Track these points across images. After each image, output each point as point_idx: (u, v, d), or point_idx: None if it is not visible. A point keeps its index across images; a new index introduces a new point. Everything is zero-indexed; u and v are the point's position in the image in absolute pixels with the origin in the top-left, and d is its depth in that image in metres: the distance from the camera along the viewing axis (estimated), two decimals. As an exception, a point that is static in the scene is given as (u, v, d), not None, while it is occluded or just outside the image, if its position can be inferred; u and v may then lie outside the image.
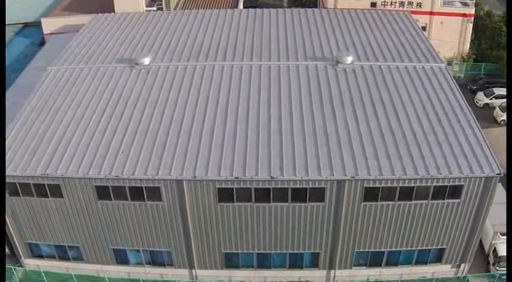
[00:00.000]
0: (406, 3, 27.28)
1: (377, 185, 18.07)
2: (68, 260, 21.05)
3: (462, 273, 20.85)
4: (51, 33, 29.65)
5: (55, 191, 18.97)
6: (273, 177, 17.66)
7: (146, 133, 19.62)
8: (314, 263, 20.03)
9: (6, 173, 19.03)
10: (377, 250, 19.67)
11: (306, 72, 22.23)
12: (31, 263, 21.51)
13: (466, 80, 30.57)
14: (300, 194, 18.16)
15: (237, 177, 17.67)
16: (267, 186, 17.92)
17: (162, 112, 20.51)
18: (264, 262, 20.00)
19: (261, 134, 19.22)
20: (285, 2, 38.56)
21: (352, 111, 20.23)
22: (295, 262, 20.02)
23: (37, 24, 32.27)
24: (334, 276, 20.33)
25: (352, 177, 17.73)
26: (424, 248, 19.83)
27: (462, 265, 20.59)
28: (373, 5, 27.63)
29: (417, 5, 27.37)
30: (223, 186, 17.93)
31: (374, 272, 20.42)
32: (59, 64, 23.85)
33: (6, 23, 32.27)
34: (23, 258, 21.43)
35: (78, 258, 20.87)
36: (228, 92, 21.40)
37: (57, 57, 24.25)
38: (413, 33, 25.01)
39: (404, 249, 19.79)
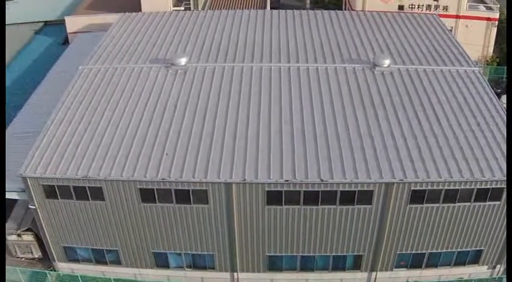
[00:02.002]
0: (433, 6, 27.57)
1: (423, 188, 18.21)
2: (105, 264, 20.63)
3: (497, 274, 21.25)
4: (75, 32, 29.03)
5: (96, 193, 18.58)
6: (323, 180, 17.64)
7: (189, 135, 19.37)
8: (356, 265, 20.06)
9: (45, 175, 18.64)
10: (418, 252, 19.83)
11: (344, 75, 22.23)
12: (65, 267, 21.05)
13: (490, 83, 31.15)
14: (348, 197, 18.13)
15: (287, 180, 17.56)
16: (316, 189, 17.87)
17: (203, 114, 20.27)
18: (307, 265, 19.95)
19: (307, 136, 19.14)
20: (307, 3, 38.56)
21: (394, 114, 20.32)
22: (338, 264, 20.02)
23: (58, 23, 31.67)
24: (376, 278, 20.47)
25: (400, 180, 17.79)
26: (463, 249, 20.06)
27: (498, 266, 20.94)
28: (401, 7, 27.83)
29: (443, 9, 27.69)
30: (273, 189, 17.79)
31: (414, 273, 20.55)
32: (91, 63, 23.36)
33: (26, 21, 31.66)
34: (56, 261, 20.95)
35: (116, 261, 20.48)
36: (269, 93, 21.27)
37: (88, 57, 23.72)
38: (444, 37, 25.25)
39: (444, 250, 20.04)
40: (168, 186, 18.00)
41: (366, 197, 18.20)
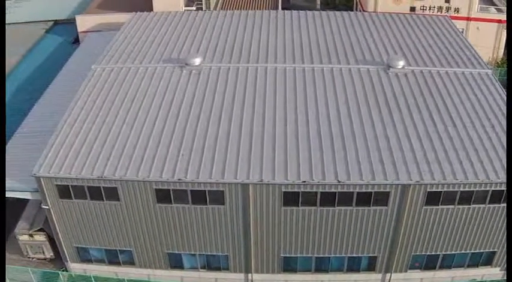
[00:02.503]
0: (444, 8, 27.66)
1: (439, 189, 18.20)
2: (118, 265, 20.54)
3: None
4: (86, 31, 28.88)
5: (111, 194, 18.47)
6: (340, 182, 17.62)
7: (205, 136, 19.29)
8: (371, 267, 20.02)
9: (59, 175, 18.53)
10: (433, 253, 19.82)
11: (359, 76, 22.23)
12: (77, 267, 20.93)
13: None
14: (364, 198, 18.09)
15: (304, 181, 17.53)
16: (333, 190, 17.82)
17: (219, 114, 20.20)
18: (321, 266, 19.90)
19: (323, 137, 19.10)
20: (318, 4, 38.53)
21: (409, 116, 20.30)
22: (353, 266, 19.98)
23: (69, 22, 31.51)
24: (390, 279, 20.47)
25: (416, 181, 17.80)
26: (477, 251, 20.07)
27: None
28: (412, 9, 27.90)
29: (455, 10, 27.79)
30: (290, 190, 17.74)
31: (428, 275, 20.55)
32: (104, 63, 23.25)
33: (36, 19, 31.48)
34: (69, 262, 20.83)
35: (129, 262, 20.38)
36: (284, 94, 21.22)
37: (101, 56, 23.60)
38: (456, 39, 25.27)
39: (458, 252, 20.06)
40: (184, 187, 17.92)
41: (382, 198, 18.17)
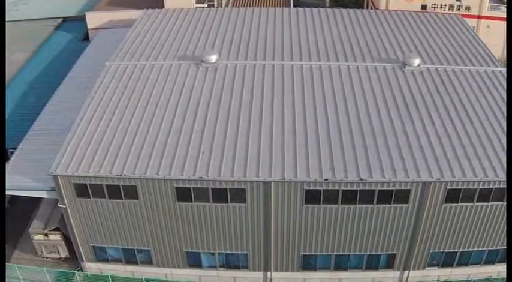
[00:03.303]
0: (456, 6, 27.77)
1: (459, 187, 18.26)
2: (135, 264, 20.34)
3: (526, 273, 21.45)
4: (96, 28, 28.53)
5: (130, 192, 18.27)
6: (362, 179, 17.59)
7: (225, 133, 19.14)
8: (389, 264, 20.04)
9: (77, 174, 18.27)
10: (451, 250, 19.90)
11: (375, 74, 22.21)
12: (93, 267, 20.71)
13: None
14: (385, 196, 18.06)
15: (326, 179, 17.46)
16: (354, 188, 17.81)
17: (237, 112, 20.07)
18: (340, 264, 19.87)
19: (343, 134, 19.07)
20: (326, 2, 38.53)
21: (427, 113, 20.34)
22: (371, 263, 19.98)
23: (78, 19, 31.10)
24: (408, 276, 20.52)
25: (437, 179, 17.84)
26: (494, 248, 20.21)
27: (526, 264, 21.20)
28: (424, 7, 27.97)
29: (466, 9, 27.92)
30: (312, 187, 17.69)
31: (445, 272, 20.66)
32: (118, 60, 23.00)
33: (45, 16, 31.02)
34: (85, 261, 20.61)
35: (147, 261, 20.20)
36: (302, 91, 21.16)
37: (114, 53, 23.35)
38: (469, 37, 25.39)
39: (476, 249, 20.17)
40: (206, 185, 17.77)
41: (403, 196, 18.16)
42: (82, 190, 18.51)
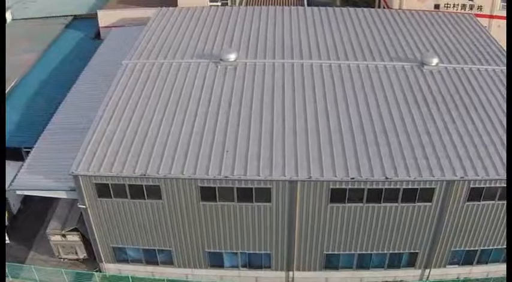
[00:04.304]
0: (468, 6, 27.97)
1: (482, 185, 18.38)
2: (156, 264, 20.14)
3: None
4: (107, 27, 28.21)
5: (153, 192, 18.07)
6: (388, 178, 17.59)
7: (248, 132, 19.00)
8: (411, 263, 20.09)
9: (99, 173, 17.98)
10: (471, 249, 20.01)
11: (394, 73, 22.24)
12: (112, 268, 20.45)
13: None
14: (410, 195, 18.09)
15: (353, 178, 17.43)
16: (380, 187, 17.80)
17: (259, 110, 19.96)
18: (363, 263, 19.90)
19: (366, 132, 19.06)
20: (337, 1, 38.54)
21: (447, 112, 20.40)
22: (393, 262, 20.00)
23: (88, 17, 30.75)
24: (429, 275, 20.61)
25: (461, 177, 17.92)
26: (513, 246, 20.54)
27: (543, 262, 21.41)
28: (436, 6, 28.11)
29: (478, 8, 28.14)
30: (337, 186, 17.64)
31: (465, 270, 20.77)
32: (134, 58, 22.74)
33: (54, 15, 30.60)
34: (104, 262, 20.35)
35: (168, 262, 20.02)
36: (323, 90, 21.11)
37: (131, 51, 23.07)
38: (483, 37, 25.57)
39: (496, 247, 20.31)
40: (231, 185, 17.65)
41: (427, 194, 18.22)
42: (103, 190, 18.26)
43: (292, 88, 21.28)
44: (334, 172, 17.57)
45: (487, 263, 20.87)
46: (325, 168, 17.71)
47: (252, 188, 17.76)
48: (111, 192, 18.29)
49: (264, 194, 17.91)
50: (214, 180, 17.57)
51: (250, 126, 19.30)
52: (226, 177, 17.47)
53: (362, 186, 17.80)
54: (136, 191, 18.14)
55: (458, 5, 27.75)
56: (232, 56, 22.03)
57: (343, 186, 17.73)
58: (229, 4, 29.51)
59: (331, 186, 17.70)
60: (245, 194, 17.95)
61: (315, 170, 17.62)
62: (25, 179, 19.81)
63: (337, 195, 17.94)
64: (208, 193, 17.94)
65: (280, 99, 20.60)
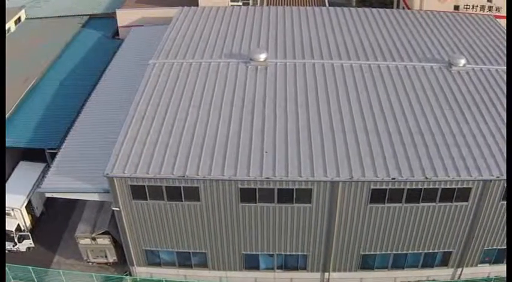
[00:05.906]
0: (487, 7, 28.38)
1: (516, 185, 18.72)
2: (189, 267, 19.84)
3: None
4: (126, 26, 27.69)
5: (192, 194, 17.79)
6: (427, 178, 17.64)
7: (285, 133, 18.85)
8: (444, 262, 20.20)
9: (135, 175, 17.55)
10: (503, 247, 20.19)
11: (423, 74, 22.38)
12: (143, 271, 20.06)
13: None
14: (448, 194, 18.17)
15: (393, 178, 17.41)
16: (419, 187, 17.84)
17: (295, 110, 19.84)
18: (398, 263, 19.89)
19: (403, 133, 19.07)
20: (353, 1, 38.70)
21: (479, 113, 20.55)
22: (427, 261, 20.08)
23: (104, 16, 30.22)
24: (461, 274, 20.74)
25: (497, 177, 18.10)
26: (543, 244, 20.79)
27: None
28: (456, 7, 28.48)
29: (496, 10, 28.55)
30: (378, 187, 17.61)
31: (496, 269, 20.93)
32: (161, 57, 22.39)
33: (71, 14, 29.90)
34: (135, 266, 19.92)
35: (202, 264, 19.74)
36: (356, 90, 21.10)
37: (157, 51, 22.68)
38: (505, 37, 25.96)
39: (526, 245, 20.68)
40: (272, 186, 17.45)
41: (464, 194, 18.32)
42: (139, 192, 17.87)
43: (325, 88, 21.22)
44: (375, 172, 17.54)
45: (517, 262, 21.33)
46: (366, 168, 17.66)
47: (292, 189, 17.62)
48: (147, 193, 17.91)
49: (304, 195, 17.78)
50: (254, 182, 17.35)
51: (287, 127, 19.14)
52: (267, 178, 17.25)
53: (402, 187, 17.78)
54: (174, 193, 17.83)
55: (477, 6, 28.18)
56: (262, 56, 21.88)
57: (384, 187, 17.70)
58: (250, 4, 29.36)
59: (371, 187, 17.65)
60: (285, 195, 17.79)
61: (356, 171, 17.55)
62: (54, 181, 19.25)
63: (377, 195, 17.91)
64: (248, 194, 17.72)
65: (314, 99, 20.52)
